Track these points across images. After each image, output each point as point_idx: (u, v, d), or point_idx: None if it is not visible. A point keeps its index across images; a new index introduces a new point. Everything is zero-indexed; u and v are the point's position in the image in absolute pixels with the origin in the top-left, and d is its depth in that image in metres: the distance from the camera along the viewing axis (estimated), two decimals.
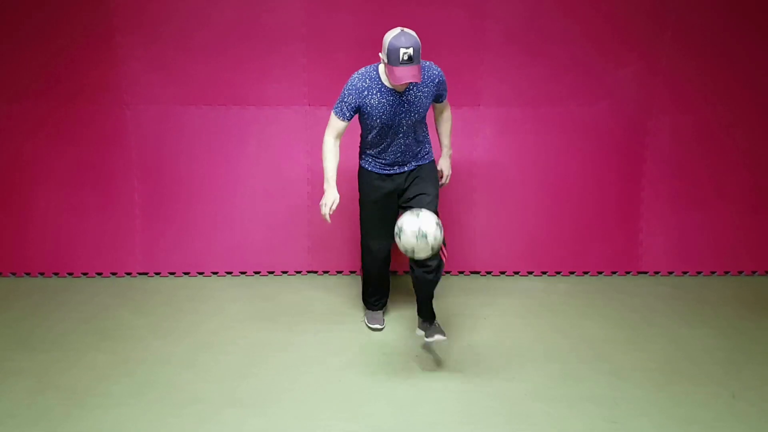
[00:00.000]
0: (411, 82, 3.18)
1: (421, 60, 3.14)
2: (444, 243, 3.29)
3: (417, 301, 3.48)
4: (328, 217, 3.32)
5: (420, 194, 3.42)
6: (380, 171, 3.46)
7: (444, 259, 3.37)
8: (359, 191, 3.60)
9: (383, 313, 3.89)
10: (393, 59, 3.03)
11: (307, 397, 3.05)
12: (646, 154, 4.49)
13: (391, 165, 3.44)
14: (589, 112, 4.42)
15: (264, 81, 4.36)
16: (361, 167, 3.54)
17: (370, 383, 3.18)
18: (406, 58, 3.00)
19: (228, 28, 4.28)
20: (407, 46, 3.00)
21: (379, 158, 3.43)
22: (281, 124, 4.42)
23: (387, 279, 3.83)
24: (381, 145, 3.38)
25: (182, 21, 4.27)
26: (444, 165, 3.69)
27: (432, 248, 3.09)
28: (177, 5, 4.25)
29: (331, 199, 3.32)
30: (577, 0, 4.25)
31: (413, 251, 3.10)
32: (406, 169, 3.45)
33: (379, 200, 3.50)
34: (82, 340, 3.62)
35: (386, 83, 3.22)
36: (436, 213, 3.33)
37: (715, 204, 4.54)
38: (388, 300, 3.92)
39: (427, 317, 3.47)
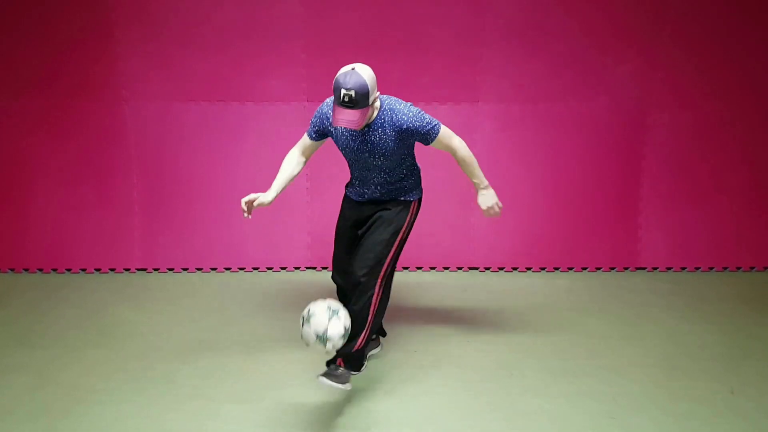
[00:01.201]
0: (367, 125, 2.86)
1: (373, 103, 2.78)
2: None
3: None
4: (244, 207, 2.97)
5: (371, 235, 3.05)
6: (355, 197, 3.18)
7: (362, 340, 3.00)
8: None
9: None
10: (335, 96, 2.71)
11: (306, 393, 3.05)
12: (645, 150, 4.49)
13: (366, 194, 3.13)
14: (589, 109, 4.43)
15: (263, 77, 4.35)
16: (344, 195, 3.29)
17: (369, 379, 3.18)
18: (346, 99, 2.67)
19: (227, 24, 4.28)
20: (348, 87, 2.66)
21: (357, 184, 3.14)
22: (280, 119, 4.42)
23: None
24: (355, 174, 3.11)
25: (181, 17, 4.26)
26: (480, 201, 3.18)
27: (327, 351, 2.76)
28: (176, 1, 4.25)
29: (257, 194, 2.96)
30: None
31: (307, 345, 2.76)
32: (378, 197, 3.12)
33: (345, 232, 3.21)
34: (81, 337, 3.62)
35: None
36: (386, 261, 3.00)
37: (713, 200, 4.54)
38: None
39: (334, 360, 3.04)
